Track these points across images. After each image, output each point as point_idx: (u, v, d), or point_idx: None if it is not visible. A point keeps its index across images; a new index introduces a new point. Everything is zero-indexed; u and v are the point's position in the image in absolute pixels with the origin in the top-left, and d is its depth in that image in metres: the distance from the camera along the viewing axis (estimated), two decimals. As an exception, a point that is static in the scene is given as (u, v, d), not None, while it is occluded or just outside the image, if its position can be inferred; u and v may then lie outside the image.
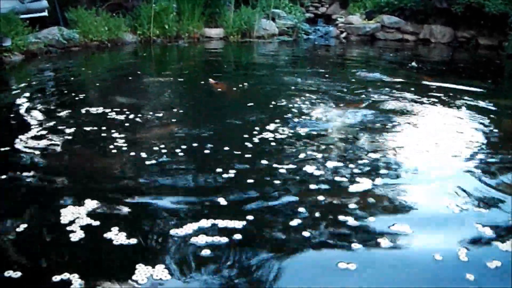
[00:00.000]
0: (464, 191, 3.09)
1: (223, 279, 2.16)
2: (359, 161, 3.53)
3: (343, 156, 3.65)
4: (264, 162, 3.49)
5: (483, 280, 2.19)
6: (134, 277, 2.12)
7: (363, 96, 5.66)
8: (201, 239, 2.44)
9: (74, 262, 2.26)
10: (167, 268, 2.20)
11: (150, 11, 9.92)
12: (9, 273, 2.13)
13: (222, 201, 2.86)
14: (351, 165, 3.43)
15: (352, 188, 3.08)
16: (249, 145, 3.87)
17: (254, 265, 2.28)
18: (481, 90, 6.20)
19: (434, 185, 3.20)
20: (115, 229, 2.51)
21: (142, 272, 2.16)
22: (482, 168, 3.48)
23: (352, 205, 2.84)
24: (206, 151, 3.72)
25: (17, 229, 2.52)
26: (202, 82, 6.50)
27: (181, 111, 5.06)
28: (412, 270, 2.28)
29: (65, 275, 2.11)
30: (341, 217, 2.70)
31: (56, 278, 2.09)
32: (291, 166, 3.41)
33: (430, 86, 6.27)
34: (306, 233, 2.53)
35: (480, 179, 3.29)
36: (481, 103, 5.43)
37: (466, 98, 5.66)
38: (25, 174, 3.25)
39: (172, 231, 2.52)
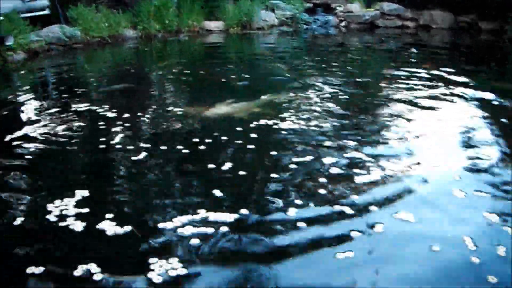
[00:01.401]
0: (470, 177, 3.13)
1: (218, 274, 2.21)
2: (364, 152, 3.56)
3: (346, 146, 3.67)
4: (267, 153, 3.53)
5: (491, 267, 2.21)
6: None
7: (368, 84, 5.68)
8: (189, 230, 2.49)
9: (88, 253, 2.34)
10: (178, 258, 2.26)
11: (149, 6, 9.92)
12: (31, 269, 2.19)
13: (217, 192, 2.90)
14: (355, 156, 3.47)
15: (356, 178, 3.09)
16: (253, 135, 3.91)
17: (256, 256, 2.34)
18: (485, 74, 6.18)
19: (439, 172, 3.23)
20: (113, 222, 2.57)
21: (156, 266, 2.22)
22: (488, 154, 3.50)
23: (353, 196, 2.86)
24: (209, 141, 3.77)
25: (14, 223, 2.59)
26: (202, 72, 6.54)
27: (181, 103, 5.10)
28: (414, 257, 2.32)
29: (83, 267, 2.18)
30: (342, 207, 2.73)
31: (78, 272, 2.16)
32: (295, 157, 3.45)
33: (431, 72, 6.26)
34: (301, 224, 2.56)
35: (486, 165, 3.31)
36: (485, 88, 5.41)
37: (469, 82, 5.64)
38: (19, 169, 3.33)
39: (169, 224, 2.57)
